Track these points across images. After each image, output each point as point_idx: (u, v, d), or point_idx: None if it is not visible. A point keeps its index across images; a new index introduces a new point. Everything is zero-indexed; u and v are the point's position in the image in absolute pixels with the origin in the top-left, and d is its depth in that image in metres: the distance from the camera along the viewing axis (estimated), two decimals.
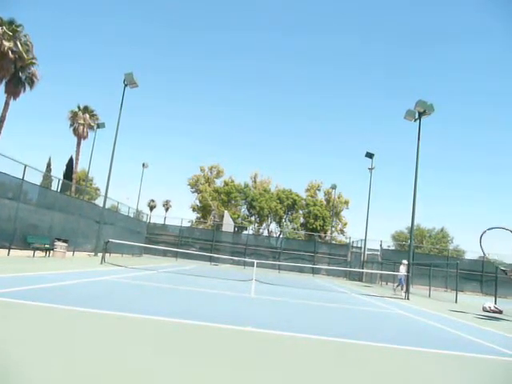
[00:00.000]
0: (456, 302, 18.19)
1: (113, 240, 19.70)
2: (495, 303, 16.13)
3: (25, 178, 16.34)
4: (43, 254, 17.39)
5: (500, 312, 14.93)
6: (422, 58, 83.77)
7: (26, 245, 16.69)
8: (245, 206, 55.26)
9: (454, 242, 55.72)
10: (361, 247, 35.69)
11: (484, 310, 15.32)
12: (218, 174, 58.51)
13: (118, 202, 29.38)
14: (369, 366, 4.54)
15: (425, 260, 30.95)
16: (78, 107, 39.00)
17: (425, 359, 5.27)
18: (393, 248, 47.01)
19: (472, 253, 38.52)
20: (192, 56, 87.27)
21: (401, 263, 21.61)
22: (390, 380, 4.09)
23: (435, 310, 13.37)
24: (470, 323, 10.43)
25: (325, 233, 49.78)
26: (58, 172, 44.25)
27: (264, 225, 55.61)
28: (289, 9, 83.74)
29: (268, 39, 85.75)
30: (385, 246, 38.36)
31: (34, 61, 30.52)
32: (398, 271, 21.87)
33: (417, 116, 20.46)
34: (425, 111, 20.08)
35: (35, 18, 71.36)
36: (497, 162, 78.66)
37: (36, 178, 18.29)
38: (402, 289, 21.03)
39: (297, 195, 53.94)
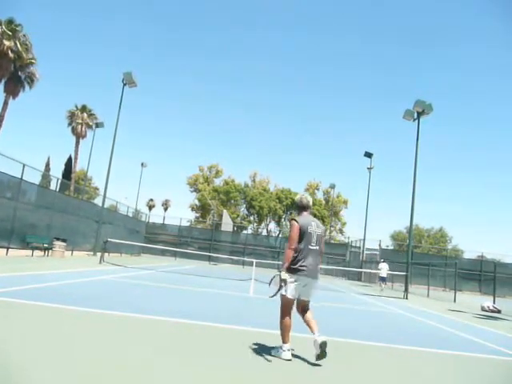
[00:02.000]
0: (455, 301, 18.22)
1: (111, 239, 19.67)
2: (494, 303, 16.15)
3: (23, 178, 16.30)
4: (42, 253, 17.37)
5: (498, 311, 14.96)
6: (422, 57, 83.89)
7: (24, 244, 16.66)
8: (244, 206, 55.27)
9: (452, 242, 55.85)
10: (359, 247, 35.72)
11: (483, 309, 15.35)
12: (217, 173, 58.51)
13: (117, 202, 29.38)
14: (367, 366, 4.55)
15: (423, 260, 31.00)
16: (76, 106, 38.93)
17: (423, 359, 5.28)
18: (392, 248, 47.07)
19: (471, 252, 38.73)
20: (191, 55, 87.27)
21: (381, 262, 24.30)
22: (388, 379, 4.09)
23: (434, 309, 13.39)
24: (469, 323, 10.45)
25: None
26: (57, 171, 44.25)
27: (263, 224, 55.64)
28: (288, 8, 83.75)
29: (267, 39, 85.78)
30: (383, 246, 38.42)
31: (33, 60, 30.47)
32: (377, 269, 23.97)
33: (415, 116, 20.48)
34: (423, 111, 20.11)
35: (34, 18, 71.22)
36: (495, 162, 78.86)
37: (35, 178, 18.27)
38: (382, 284, 22.87)
39: (296, 195, 53.94)
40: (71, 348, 3.78)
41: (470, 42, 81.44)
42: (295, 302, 4.39)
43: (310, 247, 4.33)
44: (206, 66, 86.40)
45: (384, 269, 22.81)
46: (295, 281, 4.26)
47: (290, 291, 4.26)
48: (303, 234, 4.30)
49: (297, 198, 4.71)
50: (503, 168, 78.25)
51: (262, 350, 4.58)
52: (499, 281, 23.91)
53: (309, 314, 4.45)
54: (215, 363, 3.85)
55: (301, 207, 4.57)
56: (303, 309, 4.48)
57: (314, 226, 4.40)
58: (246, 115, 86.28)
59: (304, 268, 4.25)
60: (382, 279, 22.78)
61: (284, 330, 4.29)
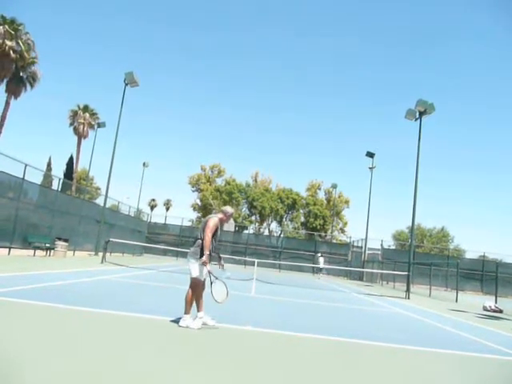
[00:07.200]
0: (456, 301, 18.19)
1: (113, 239, 19.69)
2: (496, 303, 16.12)
3: (25, 178, 16.33)
4: (44, 253, 17.39)
5: (500, 311, 14.93)
6: (424, 57, 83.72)
7: (26, 244, 16.69)
8: (246, 206, 55.23)
9: (454, 242, 55.66)
10: (361, 246, 35.67)
11: (484, 309, 15.32)
12: (219, 173, 58.50)
13: (119, 202, 29.40)
14: (369, 366, 4.54)
15: (425, 259, 30.93)
16: (78, 106, 38.96)
17: (425, 358, 5.27)
18: (393, 247, 47.02)
19: (472, 252, 38.57)
20: (193, 56, 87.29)
21: (320, 256, 28.88)
22: (390, 379, 4.09)
23: (435, 309, 13.37)
24: (471, 322, 10.44)
25: (325, 232, 49.74)
26: (59, 171, 44.29)
27: (265, 224, 55.59)
28: (290, 9, 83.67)
29: (268, 39, 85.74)
30: (385, 246, 38.36)
31: (35, 59, 30.41)
32: (317, 262, 28.28)
33: (417, 115, 20.44)
34: (425, 110, 20.05)
35: (36, 16, 71.37)
36: (497, 161, 78.61)
37: (36, 178, 18.31)
38: (319, 274, 27.66)
39: (297, 194, 53.89)
40: (72, 347, 3.79)
41: (470, 41, 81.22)
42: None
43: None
44: (208, 65, 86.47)
45: (321, 261, 27.62)
46: None
47: None
48: None
49: None
50: (506, 167, 78.00)
51: (261, 349, 4.57)
52: (501, 281, 23.83)
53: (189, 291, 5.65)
54: (215, 362, 3.85)
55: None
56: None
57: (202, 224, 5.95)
58: (248, 115, 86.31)
59: None
60: (319, 270, 27.80)
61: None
